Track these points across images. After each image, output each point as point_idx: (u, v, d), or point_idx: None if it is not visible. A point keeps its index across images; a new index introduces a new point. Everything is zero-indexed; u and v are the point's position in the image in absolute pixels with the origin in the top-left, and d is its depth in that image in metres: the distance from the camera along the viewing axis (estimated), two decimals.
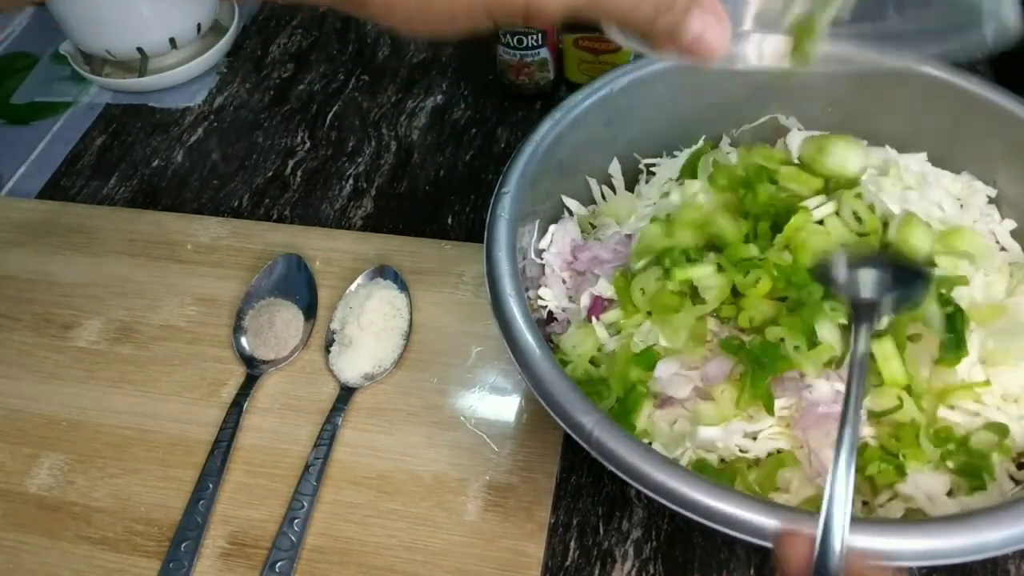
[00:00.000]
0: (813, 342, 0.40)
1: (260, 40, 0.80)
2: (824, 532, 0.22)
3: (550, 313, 0.49)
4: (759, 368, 0.40)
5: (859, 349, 0.28)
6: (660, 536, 0.45)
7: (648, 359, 0.42)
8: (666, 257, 0.44)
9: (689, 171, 0.52)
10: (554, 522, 0.46)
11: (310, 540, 0.45)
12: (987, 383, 0.41)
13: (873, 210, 0.45)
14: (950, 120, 0.51)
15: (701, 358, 0.43)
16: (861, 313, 0.29)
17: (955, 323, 0.40)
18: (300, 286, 0.56)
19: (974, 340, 0.42)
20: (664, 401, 0.43)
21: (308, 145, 0.69)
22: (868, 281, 0.32)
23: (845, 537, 0.22)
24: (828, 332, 0.41)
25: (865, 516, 0.40)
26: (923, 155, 0.53)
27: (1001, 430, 0.40)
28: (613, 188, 0.55)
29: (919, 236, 0.42)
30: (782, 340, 0.40)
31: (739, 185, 0.46)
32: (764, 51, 0.31)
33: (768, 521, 0.31)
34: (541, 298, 0.49)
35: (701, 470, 0.41)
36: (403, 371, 0.52)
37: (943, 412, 0.40)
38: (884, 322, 0.38)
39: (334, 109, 0.72)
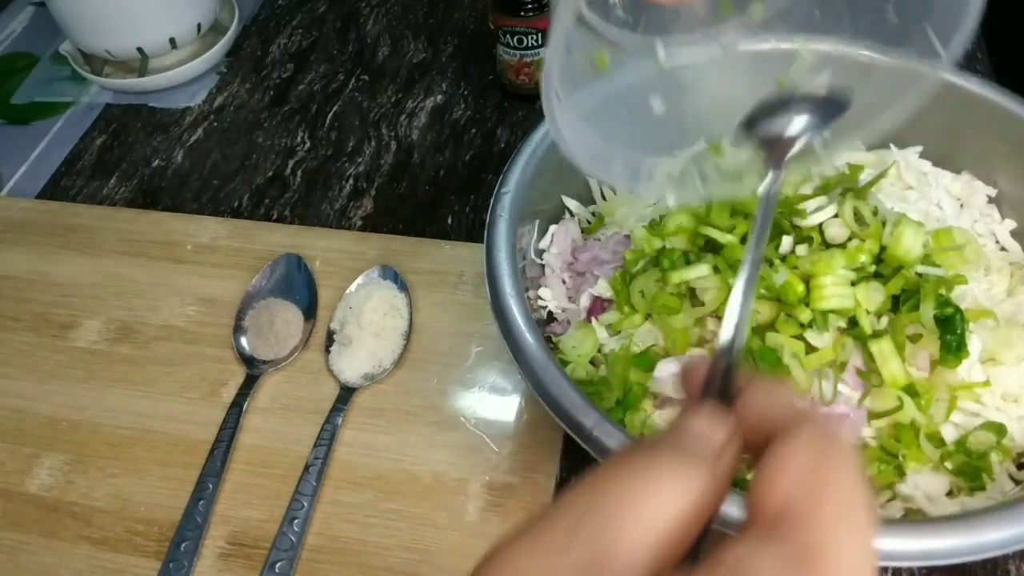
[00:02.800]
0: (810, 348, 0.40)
1: (260, 40, 0.80)
2: (719, 352, 0.23)
3: (550, 313, 0.49)
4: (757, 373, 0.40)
5: (774, 188, 0.28)
6: None
7: (648, 360, 0.42)
8: (664, 259, 0.44)
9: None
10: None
11: (310, 540, 0.45)
12: (987, 383, 0.41)
13: (876, 212, 0.45)
14: (950, 120, 0.51)
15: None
16: (774, 151, 0.29)
17: (955, 324, 0.40)
18: (300, 286, 0.56)
19: (974, 340, 0.41)
20: (664, 401, 0.43)
21: (308, 145, 0.69)
22: (783, 120, 0.31)
23: (739, 358, 0.22)
24: (823, 340, 0.41)
25: None
26: (924, 155, 0.53)
27: (1000, 430, 0.40)
28: (613, 188, 0.55)
29: (911, 237, 0.42)
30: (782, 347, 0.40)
31: None
32: None
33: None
34: (541, 298, 0.49)
35: None
36: (403, 371, 0.52)
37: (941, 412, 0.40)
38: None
39: (334, 109, 0.73)
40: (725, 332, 0.23)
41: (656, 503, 0.17)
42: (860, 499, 0.18)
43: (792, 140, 0.29)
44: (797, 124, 0.29)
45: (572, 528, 0.16)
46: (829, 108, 0.30)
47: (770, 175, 0.28)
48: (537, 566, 0.16)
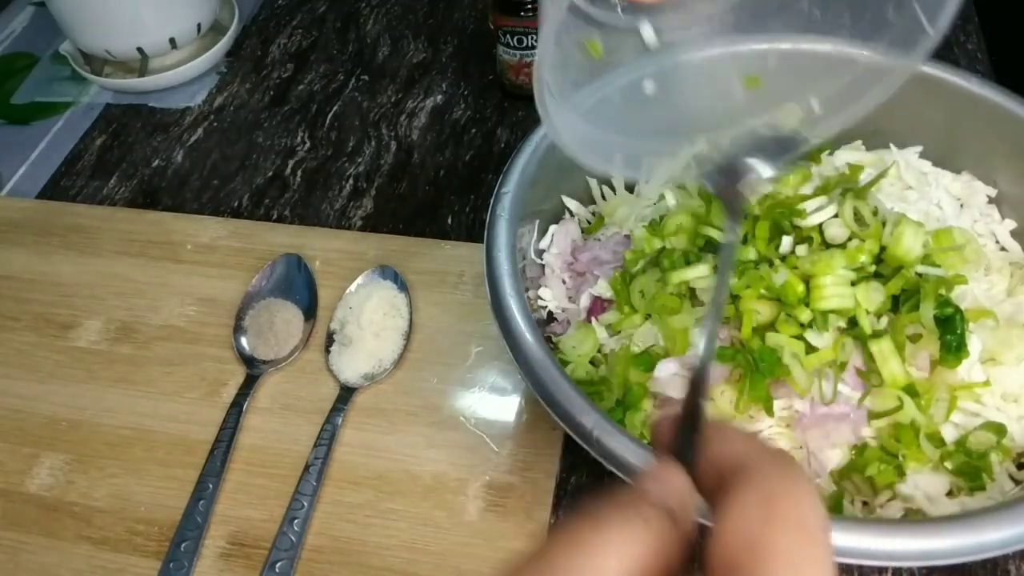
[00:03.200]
0: (810, 348, 0.40)
1: (260, 40, 0.80)
2: (685, 402, 0.22)
3: (550, 313, 0.49)
4: (757, 373, 0.40)
5: (731, 239, 0.29)
6: None
7: (647, 360, 0.42)
8: (664, 259, 0.44)
9: None
10: (554, 522, 0.46)
11: (310, 540, 0.45)
12: (987, 383, 0.41)
13: (876, 212, 0.45)
14: (950, 120, 0.51)
15: None
16: (733, 205, 0.29)
17: (955, 324, 0.40)
18: (300, 286, 0.56)
19: (974, 340, 0.42)
20: (664, 401, 0.43)
21: (308, 145, 0.69)
22: (734, 170, 0.31)
23: (706, 411, 0.22)
24: (823, 340, 0.41)
25: (865, 516, 0.40)
26: (924, 155, 0.53)
27: (1000, 430, 0.40)
28: (613, 188, 0.55)
29: (911, 237, 0.42)
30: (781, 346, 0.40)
31: None
32: None
33: None
34: (541, 298, 0.49)
35: None
36: (403, 371, 0.52)
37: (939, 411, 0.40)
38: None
39: (334, 109, 0.73)
40: (693, 378, 0.23)
41: (612, 563, 0.17)
42: (812, 546, 0.17)
43: (742, 189, 0.29)
44: (749, 169, 0.29)
45: None
46: (782, 146, 0.30)
47: (728, 225, 0.29)
48: None
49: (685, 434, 0.22)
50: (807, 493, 0.18)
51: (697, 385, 0.23)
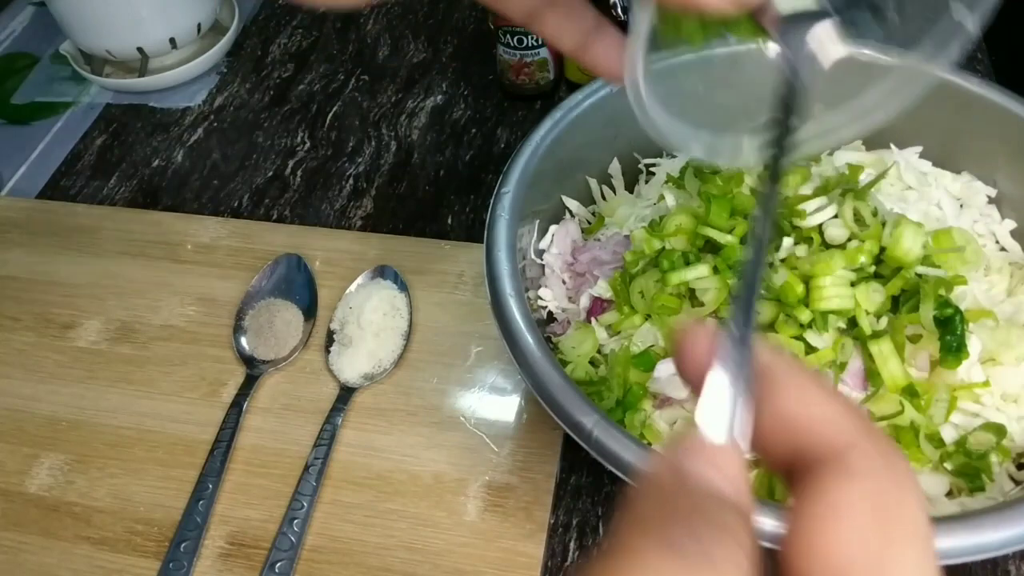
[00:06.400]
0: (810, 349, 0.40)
1: (260, 40, 0.80)
2: (732, 317, 0.17)
3: (550, 313, 0.49)
4: None
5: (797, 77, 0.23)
6: None
7: (647, 360, 0.42)
8: (664, 259, 0.44)
9: (691, 171, 0.52)
10: (554, 522, 0.46)
11: (310, 540, 0.45)
12: (986, 383, 0.41)
13: (875, 212, 0.45)
14: (950, 120, 0.51)
15: None
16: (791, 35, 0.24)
17: (955, 325, 0.40)
18: (300, 286, 0.56)
19: (973, 341, 0.41)
20: (663, 401, 0.43)
21: (308, 145, 0.69)
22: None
23: (756, 323, 0.17)
24: (822, 341, 0.41)
25: None
26: (924, 155, 0.53)
27: (999, 431, 0.40)
28: (613, 188, 0.55)
29: (910, 237, 0.42)
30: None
31: (734, 184, 0.46)
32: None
33: (765, 520, 0.31)
34: (541, 298, 0.49)
35: None
36: (403, 371, 0.52)
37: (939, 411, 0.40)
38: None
39: (334, 109, 0.73)
40: (744, 284, 0.18)
41: None
42: (929, 555, 0.15)
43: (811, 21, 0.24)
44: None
45: None
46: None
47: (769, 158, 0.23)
48: None
49: (733, 375, 0.17)
50: (919, 496, 0.15)
51: (746, 301, 0.18)
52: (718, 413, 0.16)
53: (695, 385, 0.18)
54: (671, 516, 0.15)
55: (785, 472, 0.16)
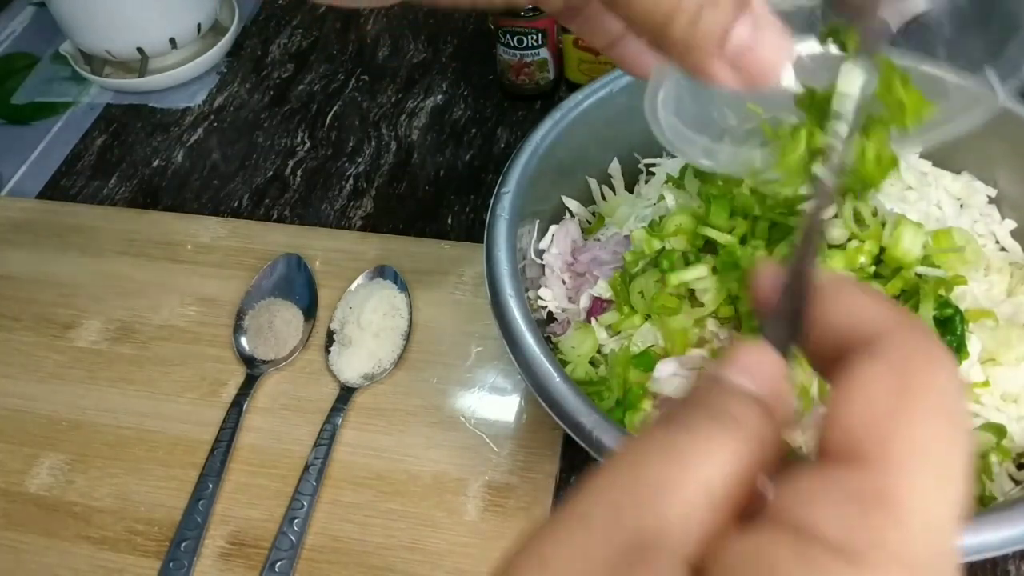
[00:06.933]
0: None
1: (260, 40, 0.80)
2: (796, 253, 0.19)
3: (550, 313, 0.49)
4: None
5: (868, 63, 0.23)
6: None
7: (647, 360, 0.42)
8: (664, 260, 0.44)
9: (691, 171, 0.52)
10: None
11: (310, 540, 0.45)
12: (986, 383, 0.41)
13: (875, 213, 0.45)
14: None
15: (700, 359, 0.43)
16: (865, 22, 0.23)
17: (955, 325, 0.40)
18: (300, 286, 0.56)
19: (973, 341, 0.41)
20: (663, 401, 0.43)
21: (308, 145, 0.69)
22: None
23: (818, 271, 0.18)
24: None
25: None
26: (924, 155, 0.53)
27: (999, 431, 0.40)
28: (613, 188, 0.55)
29: (910, 238, 0.42)
30: None
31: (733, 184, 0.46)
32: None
33: None
34: (541, 298, 0.49)
35: None
36: (403, 371, 0.52)
37: None
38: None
39: (334, 109, 0.73)
40: (804, 231, 0.19)
41: (702, 473, 0.15)
42: (952, 431, 0.14)
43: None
44: None
45: (607, 517, 0.14)
46: None
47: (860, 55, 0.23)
48: (572, 567, 0.14)
49: (792, 301, 0.18)
50: (949, 368, 0.15)
51: (807, 241, 0.19)
52: (770, 330, 0.18)
53: (761, 306, 0.19)
54: (681, 403, 0.16)
55: (830, 376, 0.17)
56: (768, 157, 0.29)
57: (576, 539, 0.14)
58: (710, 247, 0.45)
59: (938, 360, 0.15)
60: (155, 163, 0.69)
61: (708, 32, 0.21)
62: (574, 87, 0.59)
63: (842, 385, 0.15)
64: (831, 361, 0.17)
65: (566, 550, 0.14)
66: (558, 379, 0.38)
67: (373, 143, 0.69)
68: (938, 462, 0.14)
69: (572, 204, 0.53)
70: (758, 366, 0.17)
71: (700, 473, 0.15)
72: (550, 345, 0.44)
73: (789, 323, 0.18)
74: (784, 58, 0.22)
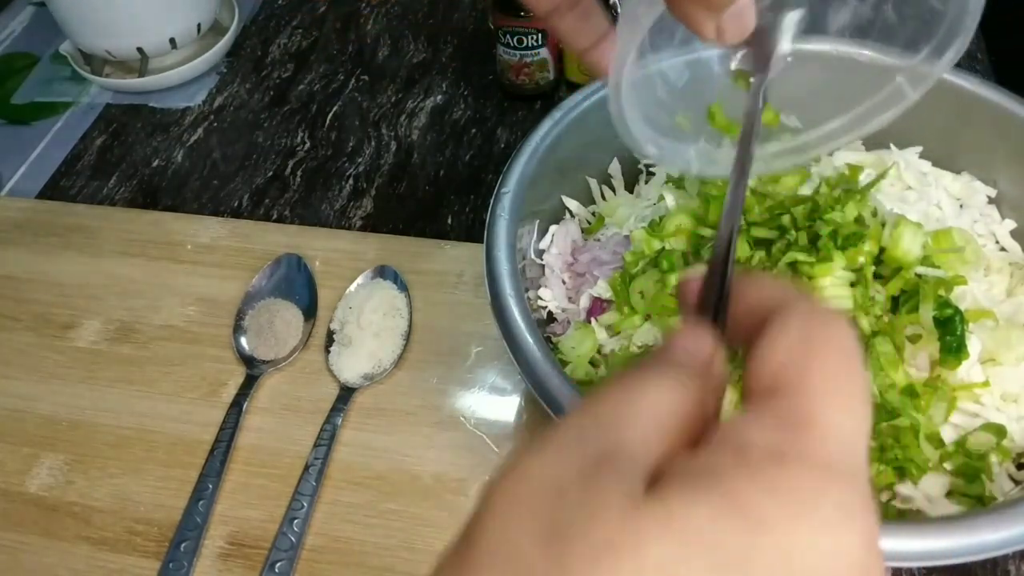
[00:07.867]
0: None
1: (260, 40, 0.80)
2: (713, 260, 0.22)
3: (550, 313, 0.49)
4: None
5: (762, 86, 0.28)
6: None
7: None
8: (664, 260, 0.44)
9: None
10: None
11: (309, 540, 0.45)
12: (986, 383, 0.41)
13: (875, 213, 0.45)
14: (950, 120, 0.51)
15: None
16: (760, 49, 0.28)
17: (955, 326, 0.40)
18: (300, 286, 0.56)
19: (973, 341, 0.41)
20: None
21: (308, 145, 0.69)
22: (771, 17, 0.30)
23: (732, 263, 0.22)
24: None
25: None
26: (923, 154, 0.53)
27: (999, 431, 0.40)
28: (613, 188, 0.55)
29: (909, 238, 0.42)
30: None
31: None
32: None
33: None
34: (541, 298, 0.49)
35: None
36: (403, 371, 0.52)
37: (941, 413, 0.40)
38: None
39: (334, 109, 0.73)
40: (719, 237, 0.23)
41: (652, 405, 0.18)
42: (850, 365, 0.18)
43: (776, 37, 0.28)
44: (786, 21, 0.28)
45: (576, 438, 0.17)
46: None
47: (756, 77, 0.28)
48: (547, 474, 0.17)
49: (712, 293, 0.22)
50: (844, 323, 0.19)
51: (723, 244, 0.23)
52: (701, 313, 0.22)
53: (689, 311, 0.23)
54: (640, 366, 0.20)
55: (749, 343, 0.20)
56: (705, 151, 0.32)
57: (548, 456, 0.17)
58: (709, 247, 0.45)
59: (833, 317, 0.19)
60: (155, 163, 0.69)
61: None
62: (574, 87, 0.59)
63: (760, 340, 0.19)
64: (748, 336, 0.20)
65: (541, 464, 0.17)
66: (558, 379, 0.38)
67: (373, 143, 0.69)
68: (844, 389, 0.17)
69: (572, 204, 0.53)
70: (693, 338, 0.20)
71: (652, 407, 0.18)
72: (550, 345, 0.44)
73: (712, 311, 0.22)
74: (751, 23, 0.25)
